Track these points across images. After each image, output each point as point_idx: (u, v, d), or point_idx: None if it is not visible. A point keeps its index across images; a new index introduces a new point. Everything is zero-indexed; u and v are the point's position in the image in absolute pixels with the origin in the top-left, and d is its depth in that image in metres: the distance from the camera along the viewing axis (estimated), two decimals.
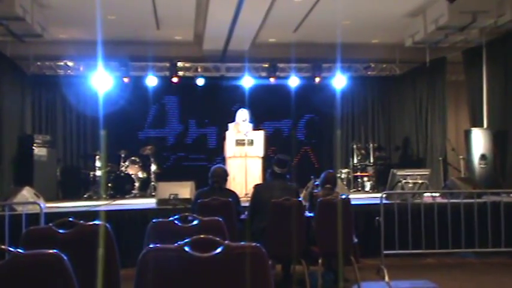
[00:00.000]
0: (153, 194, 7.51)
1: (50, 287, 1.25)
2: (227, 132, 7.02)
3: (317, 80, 9.10)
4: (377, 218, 4.85)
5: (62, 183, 8.33)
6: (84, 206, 5.94)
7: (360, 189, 8.69)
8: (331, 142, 9.98)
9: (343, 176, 8.64)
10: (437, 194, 5.96)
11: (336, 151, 9.68)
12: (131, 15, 7.40)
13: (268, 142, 7.89)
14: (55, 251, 1.27)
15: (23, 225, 4.47)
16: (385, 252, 4.78)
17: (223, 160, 7.50)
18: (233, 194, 4.42)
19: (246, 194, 6.25)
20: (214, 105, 9.52)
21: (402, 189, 5.71)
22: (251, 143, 6.84)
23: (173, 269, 1.35)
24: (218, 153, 8.72)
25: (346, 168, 9.00)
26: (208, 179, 4.42)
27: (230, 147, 6.87)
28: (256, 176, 6.76)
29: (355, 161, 9.03)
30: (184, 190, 5.66)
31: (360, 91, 9.94)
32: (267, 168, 4.55)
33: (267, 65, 9.08)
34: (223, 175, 4.45)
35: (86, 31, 7.86)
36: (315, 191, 4.69)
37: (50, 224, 1.96)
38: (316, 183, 4.99)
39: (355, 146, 9.18)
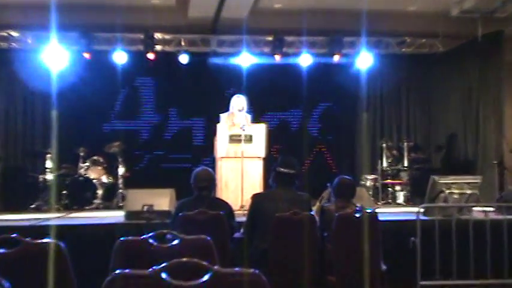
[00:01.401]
0: (121, 204, 7.55)
1: None
2: (218, 125, 7.04)
3: (336, 58, 9.13)
4: (412, 238, 4.87)
5: (1, 189, 8.32)
6: (31, 220, 5.96)
7: (390, 201, 8.72)
8: (353, 140, 10.02)
9: (368, 183, 8.67)
10: (490, 208, 6.00)
11: (360, 151, 9.74)
12: None
13: (272, 139, 7.92)
14: None
15: None
16: (423, 283, 4.81)
17: (212, 161, 7.49)
18: (225, 206, 4.42)
19: (243, 206, 6.30)
20: (202, 90, 9.53)
21: (445, 202, 5.72)
22: (249, 139, 6.86)
23: None
24: (206, 152, 8.77)
25: (372, 174, 9.04)
26: (192, 186, 4.42)
27: (222, 145, 6.91)
28: (255, 183, 6.82)
29: (385, 164, 9.04)
30: (162, 200, 5.71)
31: (392, 74, 9.98)
32: (269, 172, 4.54)
33: (270, 38, 9.09)
34: (211, 180, 4.45)
35: None
36: (325, 204, 4.72)
37: None
38: (331, 191, 4.98)
39: (384, 145, 9.19)
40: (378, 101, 10.10)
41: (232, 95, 7.40)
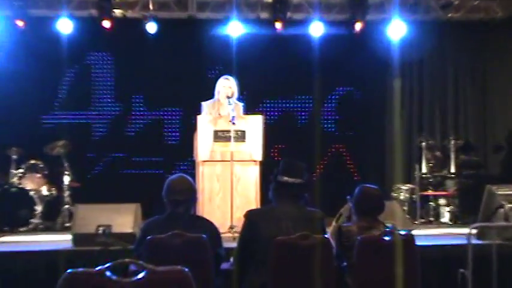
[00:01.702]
0: (68, 225, 7.54)
1: None
2: (199, 118, 7.00)
3: (358, 27, 9.15)
4: (461, 270, 4.87)
5: None
6: None
7: (432, 219, 8.70)
8: (381, 137, 10.05)
9: (402, 196, 8.68)
10: None
11: (391, 153, 9.74)
12: None
13: (272, 136, 7.91)
14: None
15: None
16: None
17: (192, 166, 7.51)
18: (209, 227, 4.40)
19: (233, 228, 6.34)
20: (178, 70, 9.54)
21: (506, 221, 5.72)
22: (241, 137, 6.86)
23: None
24: (183, 154, 8.75)
25: (408, 183, 9.05)
26: (164, 200, 4.42)
27: (204, 145, 6.89)
28: (249, 196, 6.84)
29: (424, 169, 9.02)
30: (124, 219, 5.71)
31: (433, 48, 9.99)
32: (268, 181, 4.54)
33: (270, 0, 9.10)
34: (190, 192, 4.44)
35: None
36: (344, 223, 4.73)
37: None
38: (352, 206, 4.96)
39: (424, 144, 9.17)
40: (415, 84, 10.11)
41: (218, 77, 7.41)
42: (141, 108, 9.87)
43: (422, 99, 10.16)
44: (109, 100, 9.83)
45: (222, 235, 4.72)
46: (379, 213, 4.51)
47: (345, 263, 4.25)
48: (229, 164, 6.73)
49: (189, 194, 4.41)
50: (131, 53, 9.64)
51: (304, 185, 4.33)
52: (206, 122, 6.95)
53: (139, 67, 9.66)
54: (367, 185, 4.62)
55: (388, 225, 4.45)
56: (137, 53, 9.58)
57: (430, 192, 8.87)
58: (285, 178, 4.27)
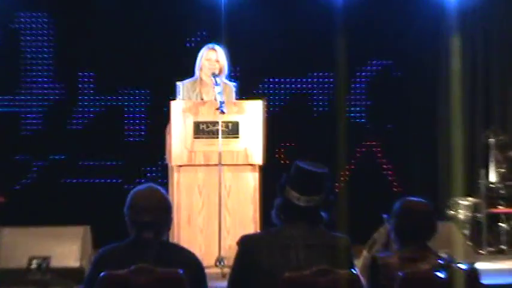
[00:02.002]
0: None
1: None
2: (173, 105, 7.09)
3: None
4: None
5: None
6: None
7: (503, 247, 8.73)
8: (431, 131, 10.12)
9: (462, 214, 8.73)
10: None
11: (446, 154, 9.75)
12: None
13: (277, 130, 8.01)
14: None
15: None
16: None
17: (163, 173, 7.54)
18: (188, 259, 4.33)
19: (221, 260, 6.41)
20: (143, 36, 9.58)
21: None
22: (233, 130, 6.96)
23: None
24: (150, 155, 8.88)
25: (470, 196, 9.05)
26: (126, 221, 4.39)
27: (181, 142, 6.97)
28: (245, 214, 6.94)
29: (493, 177, 9.08)
30: (66, 248, 5.80)
31: (509, 9, 10.02)
32: (271, 194, 4.53)
33: None
34: (163, 210, 4.42)
35: None
36: (380, 253, 4.76)
37: None
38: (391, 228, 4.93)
39: (492, 141, 9.21)
40: (481, 59, 10.11)
41: (200, 47, 7.48)
42: (92, 91, 9.84)
43: (490, 80, 10.19)
44: (45, 80, 9.80)
45: (207, 270, 4.60)
46: (429, 239, 4.47)
47: None
48: (215, 170, 6.80)
49: (161, 213, 4.33)
50: (77, 13, 9.66)
51: (324, 202, 4.30)
52: (183, 110, 6.99)
53: (88, 33, 9.66)
54: (412, 199, 4.57)
55: (443, 255, 4.39)
56: (86, 12, 9.61)
57: (501, 209, 8.92)
58: (296, 193, 4.28)
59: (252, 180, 6.96)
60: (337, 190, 9.34)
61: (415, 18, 9.63)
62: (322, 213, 4.29)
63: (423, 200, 4.58)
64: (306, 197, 4.22)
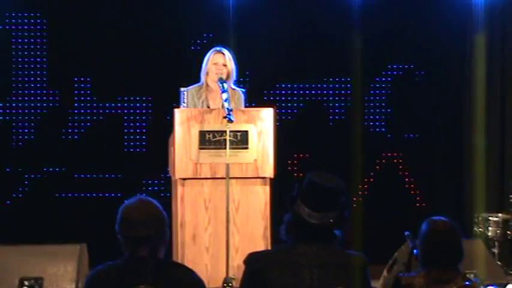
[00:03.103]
0: None
1: None
2: (177, 113, 7.08)
3: None
4: None
5: None
6: None
7: None
8: (457, 140, 10.08)
9: (491, 231, 8.66)
10: None
11: (473, 165, 9.67)
12: None
13: (289, 140, 8.10)
14: None
15: None
16: None
17: (166, 185, 7.59)
18: (190, 280, 4.27)
19: (228, 283, 6.47)
20: (145, 39, 9.60)
21: None
22: (242, 141, 7.00)
23: None
24: (153, 167, 9.11)
25: (500, 211, 9.00)
26: (119, 238, 4.30)
27: (185, 153, 6.95)
28: (254, 231, 7.00)
29: None
30: (61, 268, 5.85)
31: None
32: (283, 209, 4.44)
33: None
34: (159, 226, 4.30)
35: None
36: (403, 274, 4.79)
37: None
38: (416, 251, 5.05)
39: None
40: (510, 63, 10.02)
41: (206, 50, 7.55)
42: (89, 98, 9.84)
43: None
44: (39, 85, 9.81)
45: None
46: (458, 259, 4.55)
47: None
48: (223, 183, 6.82)
49: (155, 226, 4.26)
50: (74, 15, 9.67)
51: (340, 219, 4.28)
52: (188, 118, 7.00)
53: (86, 35, 9.70)
54: (437, 219, 4.67)
55: (470, 276, 4.53)
56: (83, 13, 9.62)
57: None
58: (308, 210, 4.22)
59: (262, 195, 6.98)
60: (354, 205, 9.39)
61: (439, 19, 9.74)
62: (336, 232, 4.32)
63: (450, 221, 4.65)
64: (318, 213, 4.24)
